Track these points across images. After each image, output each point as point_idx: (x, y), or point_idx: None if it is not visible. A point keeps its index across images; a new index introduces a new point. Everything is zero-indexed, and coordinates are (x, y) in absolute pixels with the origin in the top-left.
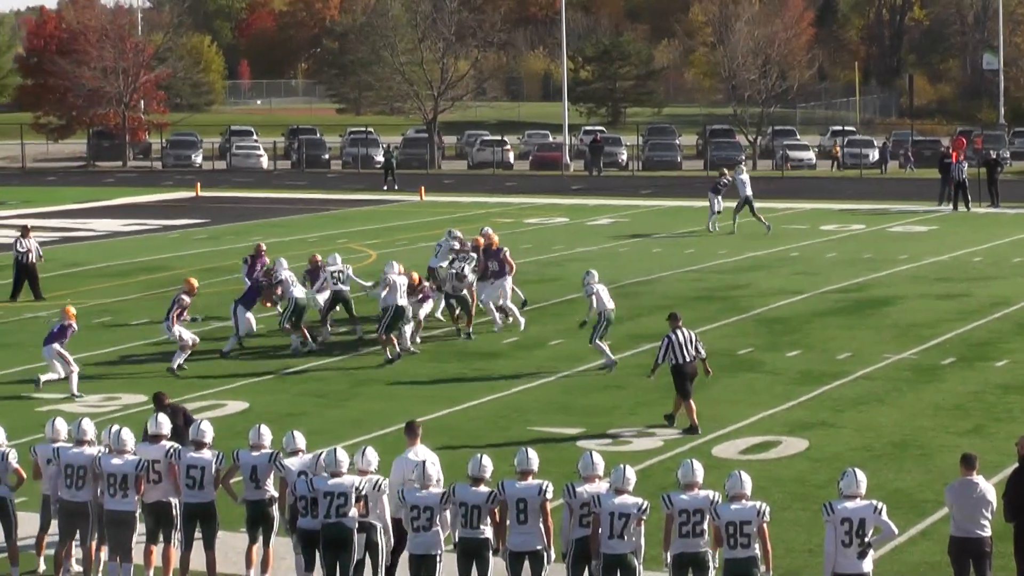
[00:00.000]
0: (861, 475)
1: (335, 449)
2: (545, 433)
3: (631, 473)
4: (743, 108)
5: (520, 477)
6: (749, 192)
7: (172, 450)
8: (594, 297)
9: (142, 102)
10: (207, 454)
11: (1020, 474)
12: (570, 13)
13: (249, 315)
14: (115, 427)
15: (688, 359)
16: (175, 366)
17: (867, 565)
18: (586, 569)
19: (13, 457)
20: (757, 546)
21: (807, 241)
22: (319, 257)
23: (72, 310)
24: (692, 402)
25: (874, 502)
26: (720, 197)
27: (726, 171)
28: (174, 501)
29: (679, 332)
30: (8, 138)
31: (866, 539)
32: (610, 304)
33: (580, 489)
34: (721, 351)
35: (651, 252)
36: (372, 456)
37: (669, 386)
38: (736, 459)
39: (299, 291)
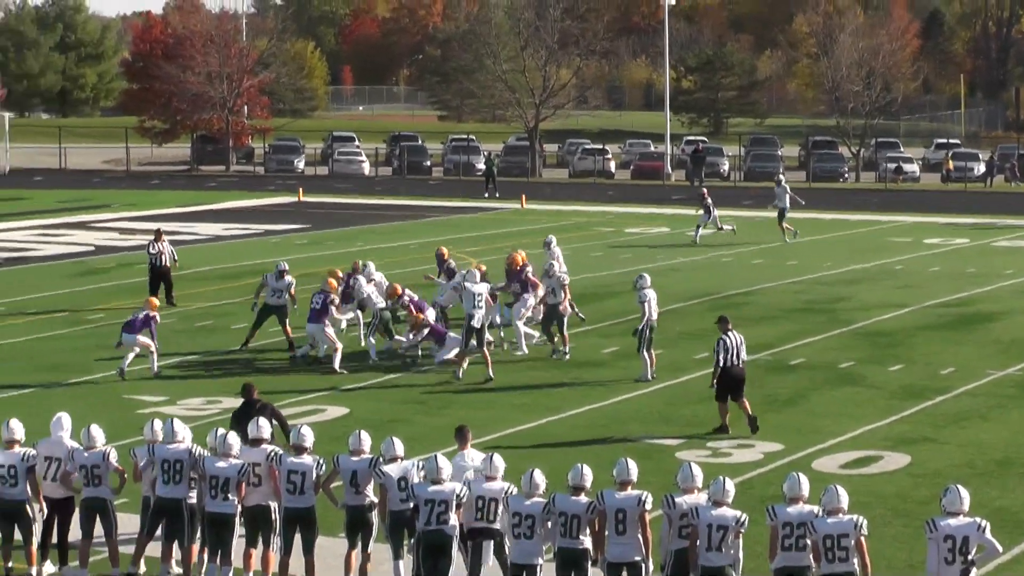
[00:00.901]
0: (964, 492)
1: (436, 456)
2: (644, 443)
3: (730, 485)
4: (846, 120)
5: (619, 487)
6: (788, 204)
7: (273, 454)
8: (647, 304)
9: (245, 107)
10: (308, 459)
11: None
12: (673, 23)
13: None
14: (220, 430)
15: (736, 363)
16: (337, 366)
17: None
18: None
19: (114, 457)
20: (855, 561)
21: (911, 254)
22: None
23: (155, 301)
24: (723, 405)
25: (978, 519)
26: (711, 215)
27: (706, 191)
28: (273, 505)
29: (730, 335)
30: (113, 141)
31: (969, 557)
32: (655, 313)
33: (679, 500)
34: (823, 364)
35: (752, 263)
36: (499, 463)
37: (769, 399)
38: (837, 473)
39: (382, 302)
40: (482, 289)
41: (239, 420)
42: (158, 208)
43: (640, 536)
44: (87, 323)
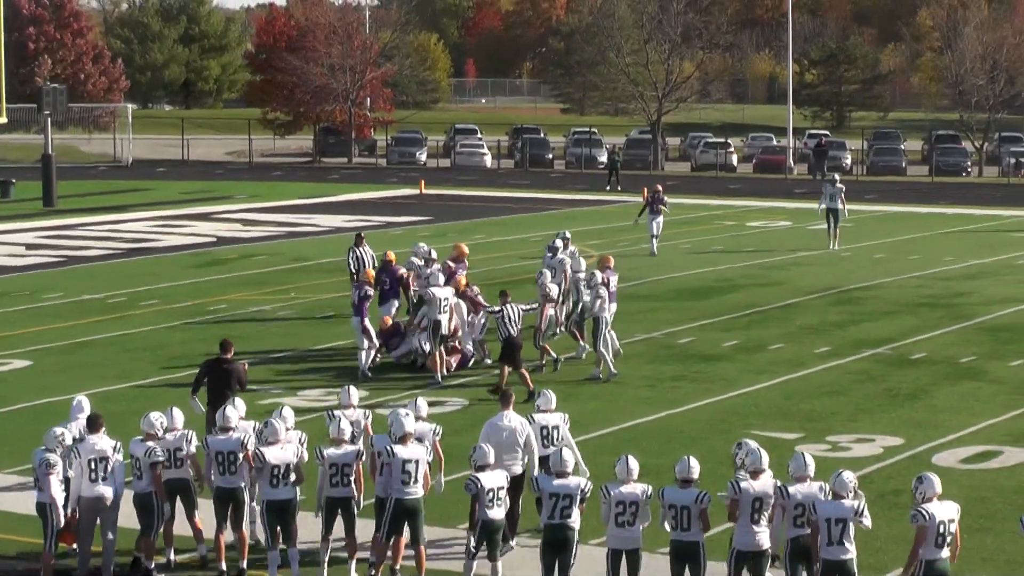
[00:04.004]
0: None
1: (560, 450)
2: (764, 437)
3: (849, 476)
4: (970, 114)
5: (753, 476)
6: (841, 206)
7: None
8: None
9: (368, 99)
10: (419, 450)
11: None
12: (797, 16)
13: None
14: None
15: (516, 332)
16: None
17: None
18: (803, 570)
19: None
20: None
21: None
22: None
23: (371, 272)
24: (507, 371)
25: None
26: (660, 219)
27: (659, 187)
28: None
29: (508, 307)
30: (236, 133)
31: None
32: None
33: (793, 490)
34: (943, 359)
35: (873, 258)
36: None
37: (891, 393)
38: (957, 468)
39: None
40: (447, 293)
41: (209, 371)
42: (280, 200)
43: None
44: (209, 313)
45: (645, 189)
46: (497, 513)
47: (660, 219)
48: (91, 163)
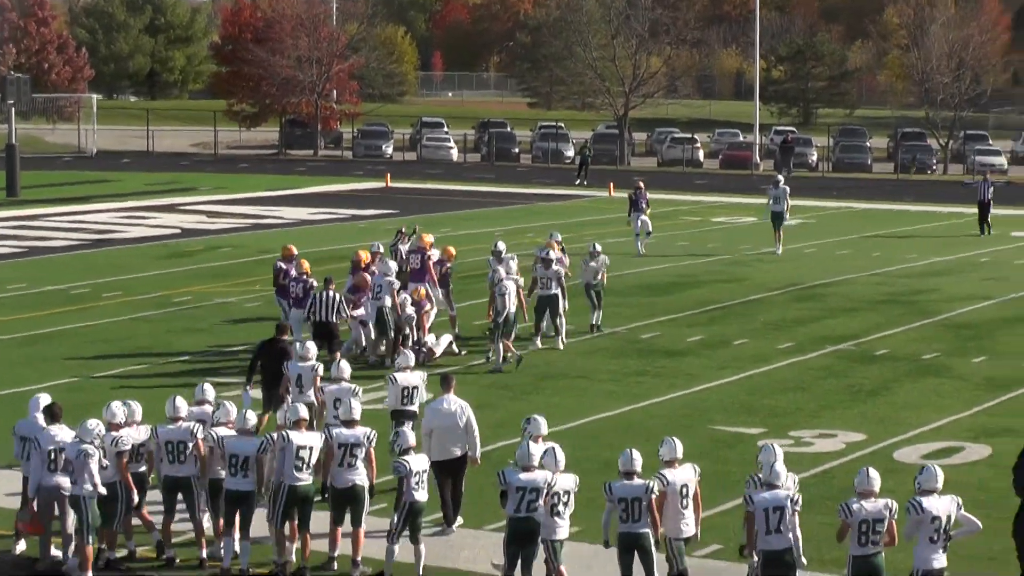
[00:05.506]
0: (939, 469)
1: (527, 444)
2: (727, 433)
3: (781, 467)
4: (935, 111)
5: (667, 465)
6: (786, 208)
7: (371, 435)
8: (506, 296)
9: (335, 92)
10: (314, 437)
11: None
12: (764, 12)
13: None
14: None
15: (325, 319)
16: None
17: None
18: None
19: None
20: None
21: (997, 247)
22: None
23: (300, 256)
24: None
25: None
26: (644, 216)
27: (642, 184)
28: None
29: (326, 292)
30: (202, 125)
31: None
32: (512, 306)
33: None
34: (906, 356)
35: (836, 254)
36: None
37: (853, 389)
38: (918, 463)
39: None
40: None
41: (264, 351)
42: (246, 192)
43: (694, 509)
44: (174, 305)
45: (612, 184)
46: (422, 495)
47: (644, 216)
48: (55, 153)
